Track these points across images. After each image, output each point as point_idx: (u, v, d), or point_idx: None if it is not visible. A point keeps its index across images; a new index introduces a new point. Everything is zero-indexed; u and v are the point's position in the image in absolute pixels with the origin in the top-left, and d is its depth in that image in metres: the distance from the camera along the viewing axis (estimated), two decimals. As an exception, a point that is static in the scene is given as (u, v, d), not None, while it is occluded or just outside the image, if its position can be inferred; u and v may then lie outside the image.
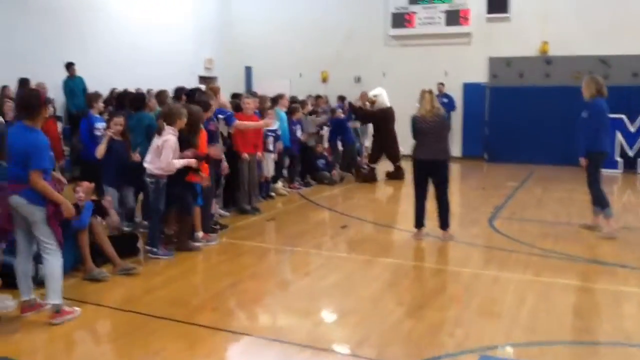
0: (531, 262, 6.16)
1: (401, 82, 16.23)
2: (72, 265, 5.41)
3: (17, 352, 3.98)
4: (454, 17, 16.09)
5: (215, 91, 8.00)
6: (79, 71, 12.64)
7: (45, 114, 4.49)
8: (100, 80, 12.46)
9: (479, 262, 6.38)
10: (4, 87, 11.14)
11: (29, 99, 4.44)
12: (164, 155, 5.96)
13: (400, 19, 16.67)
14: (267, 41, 17.87)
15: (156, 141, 6.07)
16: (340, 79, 17.18)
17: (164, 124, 6.10)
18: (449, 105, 15.39)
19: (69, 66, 12.50)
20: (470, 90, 16.21)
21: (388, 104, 11.82)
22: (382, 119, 11.83)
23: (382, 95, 11.83)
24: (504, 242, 6.97)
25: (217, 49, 18.24)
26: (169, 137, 6.02)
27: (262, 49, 17.96)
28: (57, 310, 4.39)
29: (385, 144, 11.86)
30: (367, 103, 12.33)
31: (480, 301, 5.03)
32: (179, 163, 6.08)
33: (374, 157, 12.16)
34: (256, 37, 18.10)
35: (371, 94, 12.02)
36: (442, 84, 15.64)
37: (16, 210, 4.29)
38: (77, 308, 4.59)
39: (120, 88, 14.43)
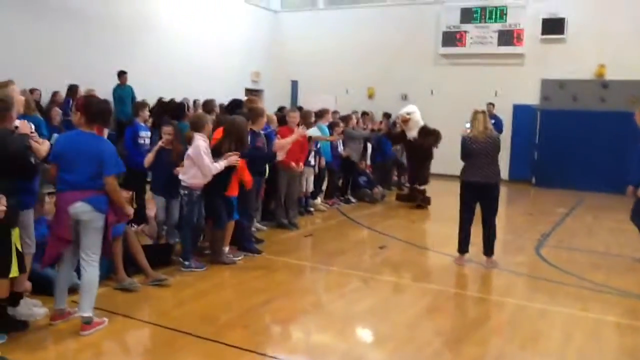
0: (581, 295, 5.80)
1: (449, 101, 15.98)
2: (105, 274, 5.36)
3: (44, 360, 3.92)
4: (507, 37, 15.71)
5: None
6: (130, 80, 12.85)
7: None
8: (149, 90, 12.65)
9: (524, 292, 6.05)
10: (55, 93, 11.41)
11: (104, 108, 4.53)
12: (200, 161, 5.86)
13: (451, 38, 16.38)
14: (314, 56, 17.86)
15: (188, 151, 6.01)
16: (386, 96, 16.98)
17: (193, 132, 6.08)
18: (497, 127, 14.93)
19: (121, 74, 12.72)
20: (521, 112, 15.76)
21: (421, 123, 10.72)
22: (415, 141, 10.73)
23: (416, 114, 10.72)
24: (552, 272, 6.61)
25: (265, 63, 18.35)
26: (199, 142, 5.94)
27: (309, 63, 17.95)
28: (88, 322, 4.32)
29: (414, 163, 11.20)
30: (399, 122, 11.48)
31: (525, 335, 4.73)
32: (220, 165, 5.96)
33: (411, 178, 11.70)
34: (304, 52, 18.13)
35: (403, 111, 10.87)
36: (491, 104, 15.20)
37: (75, 218, 4.24)
38: (105, 318, 4.51)
39: (167, 98, 14.67)
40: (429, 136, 10.56)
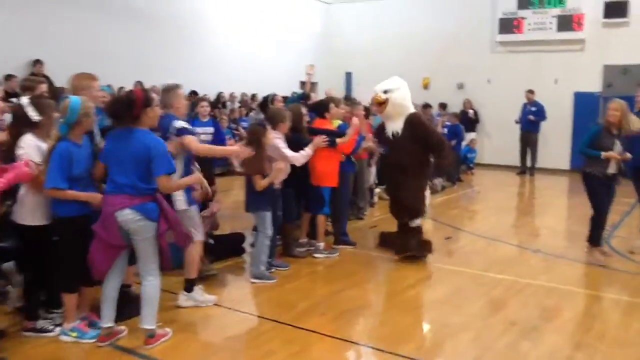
0: (657, 287, 5.70)
1: (507, 89, 15.74)
2: (178, 265, 5.57)
3: None
4: (567, 22, 15.31)
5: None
6: (186, 76, 13.21)
7: (147, 116, 4.01)
8: (205, 86, 12.99)
9: (596, 283, 5.99)
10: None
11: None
12: (283, 154, 5.76)
13: (508, 25, 16.09)
14: (367, 47, 17.86)
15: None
16: (442, 85, 16.87)
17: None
18: (539, 115, 14.65)
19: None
20: (582, 99, 15.36)
21: (410, 107, 6.43)
22: (396, 140, 6.42)
23: (399, 91, 6.27)
24: (623, 263, 6.50)
25: (319, 55, 18.45)
26: (274, 139, 5.71)
27: (363, 54, 17.96)
28: (152, 336, 4.11)
29: (395, 183, 6.75)
30: (371, 106, 8.11)
31: (601, 326, 4.70)
32: (308, 151, 5.89)
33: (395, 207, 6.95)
34: (357, 43, 18.16)
35: (380, 87, 6.34)
36: (531, 91, 14.85)
37: (124, 226, 3.88)
38: (168, 329, 4.31)
39: (226, 93, 14.99)
40: (425, 137, 6.28)
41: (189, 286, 4.87)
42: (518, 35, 16.00)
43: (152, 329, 4.10)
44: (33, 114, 3.99)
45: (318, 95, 13.83)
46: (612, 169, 6.32)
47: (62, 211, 3.95)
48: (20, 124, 4.03)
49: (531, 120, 14.54)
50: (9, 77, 10.26)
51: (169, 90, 4.92)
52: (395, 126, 6.31)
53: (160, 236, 3.96)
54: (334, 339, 4.33)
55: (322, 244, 6.58)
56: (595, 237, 6.53)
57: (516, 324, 4.70)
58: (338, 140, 6.26)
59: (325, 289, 5.53)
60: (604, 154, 6.16)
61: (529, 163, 14.88)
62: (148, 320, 4.07)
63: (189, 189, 4.76)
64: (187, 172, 4.71)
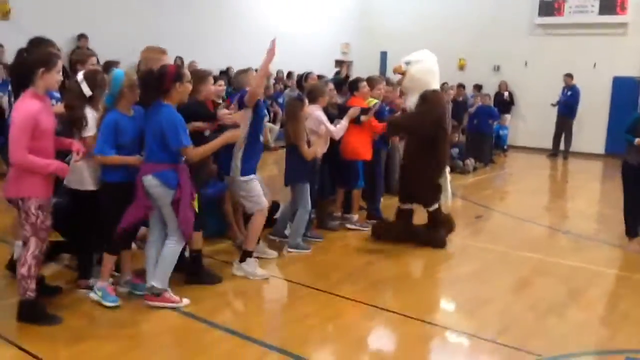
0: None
1: (544, 73, 15.60)
2: (217, 232, 5.85)
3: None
4: (610, 5, 15.03)
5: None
6: (226, 54, 13.46)
7: (177, 90, 4.19)
8: (241, 62, 13.11)
9: (627, 265, 6.08)
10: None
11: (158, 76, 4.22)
12: (325, 126, 5.95)
13: (549, 7, 15.87)
14: (404, 26, 17.74)
15: (308, 126, 6.00)
16: (478, 67, 16.77)
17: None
18: (572, 99, 14.52)
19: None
20: (621, 84, 15.12)
21: (433, 83, 6.01)
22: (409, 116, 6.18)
23: (423, 63, 5.99)
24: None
25: (354, 34, 18.51)
26: (315, 113, 5.96)
27: (399, 34, 17.84)
28: (158, 294, 4.27)
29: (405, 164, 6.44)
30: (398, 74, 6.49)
31: (628, 305, 4.82)
32: (344, 124, 6.09)
33: (403, 191, 6.58)
34: (393, 23, 18.08)
35: (404, 59, 6.09)
36: (569, 75, 14.67)
37: (147, 190, 4.16)
38: (185, 300, 4.39)
39: (272, 69, 15.14)
40: (435, 114, 5.93)
41: (243, 257, 5.07)
42: (558, 18, 15.78)
43: (158, 288, 4.26)
44: (86, 90, 4.20)
45: (353, 75, 14.01)
46: None
47: (109, 177, 4.23)
48: (76, 97, 4.24)
49: (566, 104, 14.44)
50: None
51: (244, 72, 5.46)
52: (411, 101, 6.05)
53: (174, 203, 4.15)
54: (366, 306, 4.56)
55: (356, 217, 6.81)
56: (630, 229, 6.43)
57: (543, 300, 4.86)
58: (362, 117, 6.39)
59: (357, 261, 5.74)
60: (637, 140, 6.15)
61: (562, 147, 14.80)
62: (158, 277, 4.27)
63: (248, 158, 4.92)
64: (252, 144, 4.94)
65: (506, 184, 10.88)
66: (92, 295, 4.30)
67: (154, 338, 4.00)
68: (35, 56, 3.88)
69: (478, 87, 15.93)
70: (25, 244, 3.86)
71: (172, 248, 4.28)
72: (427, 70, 5.97)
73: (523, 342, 4.00)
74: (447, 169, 6.25)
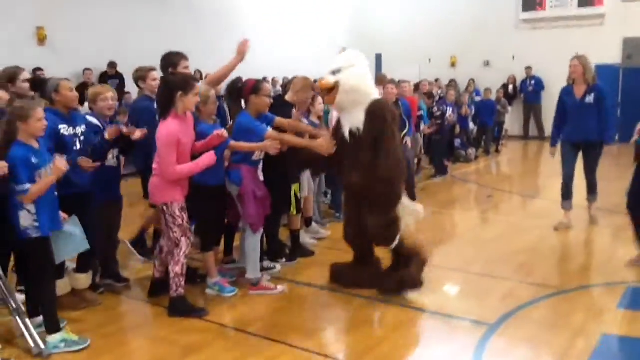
0: None
1: (531, 65, 16.73)
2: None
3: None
4: (587, -2, 16.22)
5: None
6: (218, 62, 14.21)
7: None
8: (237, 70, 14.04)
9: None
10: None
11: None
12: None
13: (531, 2, 17.01)
14: (397, 28, 18.75)
15: None
16: (469, 63, 17.86)
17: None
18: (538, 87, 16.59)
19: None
20: (602, 72, 16.17)
21: (371, 93, 4.79)
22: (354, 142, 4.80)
23: (353, 71, 4.71)
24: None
25: (349, 38, 19.47)
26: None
27: (392, 36, 18.87)
28: (254, 284, 4.86)
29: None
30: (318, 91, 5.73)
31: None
32: None
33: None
34: (387, 25, 19.05)
35: (331, 69, 4.75)
36: (529, 67, 16.67)
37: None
38: (280, 287, 4.91)
39: (259, 75, 15.85)
40: (398, 138, 4.88)
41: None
42: (541, 12, 16.95)
43: (252, 278, 4.86)
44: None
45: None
46: None
47: (207, 181, 4.62)
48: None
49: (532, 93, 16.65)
50: (86, 70, 11.63)
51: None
52: (353, 120, 4.69)
53: (239, 198, 4.77)
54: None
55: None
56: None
57: (558, 251, 6.03)
58: None
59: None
60: None
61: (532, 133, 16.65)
62: (249, 269, 4.87)
63: None
64: None
65: (514, 167, 11.99)
66: (208, 291, 4.84)
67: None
68: (174, 81, 4.33)
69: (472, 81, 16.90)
70: (177, 244, 4.32)
71: (248, 240, 4.87)
72: (363, 74, 4.72)
73: (546, 279, 5.10)
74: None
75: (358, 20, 19.77)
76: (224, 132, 4.50)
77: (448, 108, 11.18)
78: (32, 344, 3.75)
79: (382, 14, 19.38)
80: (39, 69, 10.85)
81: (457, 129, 12.85)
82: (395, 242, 4.83)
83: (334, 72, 4.66)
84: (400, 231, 4.82)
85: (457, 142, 12.74)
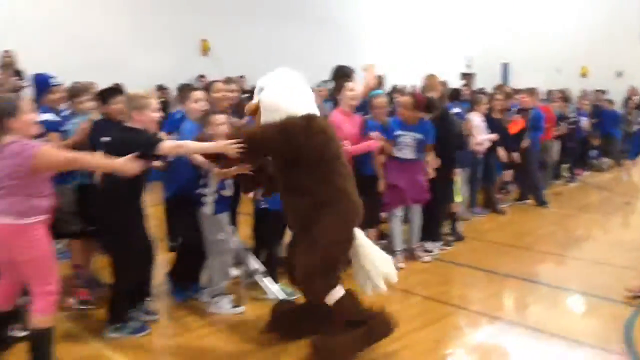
0: None
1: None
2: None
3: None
4: None
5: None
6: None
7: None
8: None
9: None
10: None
11: None
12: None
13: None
14: (525, 37, 18.82)
15: None
16: (601, 73, 17.52)
17: None
18: None
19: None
20: None
21: (287, 110, 3.87)
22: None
23: (273, 87, 4.02)
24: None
25: (477, 46, 19.77)
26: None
27: (520, 44, 18.92)
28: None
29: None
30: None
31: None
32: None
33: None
34: (515, 33, 19.16)
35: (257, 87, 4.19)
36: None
37: None
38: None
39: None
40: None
41: None
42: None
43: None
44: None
45: (474, 86, 15.06)
46: None
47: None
48: None
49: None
50: (160, 88, 11.08)
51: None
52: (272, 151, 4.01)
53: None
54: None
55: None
56: None
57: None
58: None
59: (530, 235, 7.31)
60: None
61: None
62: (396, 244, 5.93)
63: None
64: None
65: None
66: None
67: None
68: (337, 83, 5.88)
69: (602, 93, 16.62)
70: None
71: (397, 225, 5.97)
72: (282, 91, 3.95)
73: None
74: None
75: (485, 29, 19.96)
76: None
77: (582, 118, 11.29)
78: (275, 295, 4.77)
79: (509, 23, 19.44)
80: (202, 76, 12.33)
81: (596, 140, 12.75)
82: (334, 297, 3.67)
83: (259, 90, 4.08)
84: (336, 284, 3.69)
85: (594, 153, 12.70)
